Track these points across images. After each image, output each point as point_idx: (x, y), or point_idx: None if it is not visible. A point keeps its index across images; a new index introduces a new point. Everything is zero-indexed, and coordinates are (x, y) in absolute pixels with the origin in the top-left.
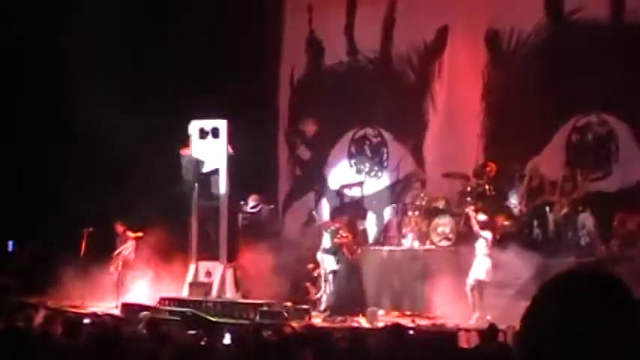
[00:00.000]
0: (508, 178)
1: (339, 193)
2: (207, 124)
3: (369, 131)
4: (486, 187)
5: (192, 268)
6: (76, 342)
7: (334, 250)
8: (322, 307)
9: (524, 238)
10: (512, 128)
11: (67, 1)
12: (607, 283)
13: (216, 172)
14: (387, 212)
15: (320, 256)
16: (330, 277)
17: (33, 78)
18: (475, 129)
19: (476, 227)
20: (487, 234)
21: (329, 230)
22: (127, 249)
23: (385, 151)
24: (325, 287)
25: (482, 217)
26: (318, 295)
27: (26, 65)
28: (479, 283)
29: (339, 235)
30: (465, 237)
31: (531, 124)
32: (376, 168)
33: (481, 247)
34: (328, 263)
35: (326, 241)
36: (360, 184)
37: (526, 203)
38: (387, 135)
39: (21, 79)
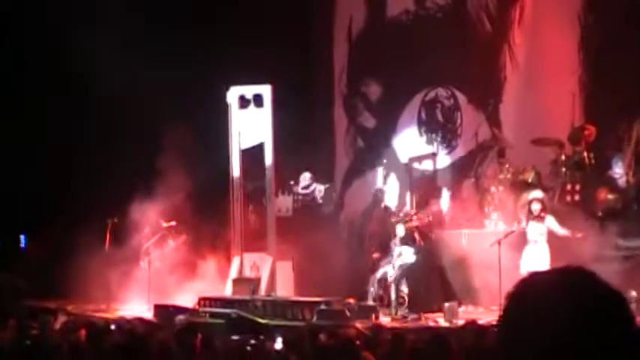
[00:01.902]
0: (611, 143)
1: (407, 168)
2: (249, 90)
3: (441, 92)
4: (584, 154)
5: (235, 261)
6: (102, 352)
7: (409, 239)
8: (396, 309)
9: (632, 214)
10: (617, 83)
11: None
12: (584, 281)
13: (260, 147)
14: (465, 188)
15: (397, 248)
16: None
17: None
18: (569, 85)
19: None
20: (551, 219)
21: (401, 215)
22: (159, 241)
23: (459, 115)
24: (399, 284)
25: (537, 207)
26: (393, 296)
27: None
28: None
29: (410, 221)
30: (560, 215)
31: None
32: (449, 136)
33: (542, 231)
34: (407, 255)
35: (400, 230)
36: (433, 155)
37: (634, 173)
38: (460, 96)
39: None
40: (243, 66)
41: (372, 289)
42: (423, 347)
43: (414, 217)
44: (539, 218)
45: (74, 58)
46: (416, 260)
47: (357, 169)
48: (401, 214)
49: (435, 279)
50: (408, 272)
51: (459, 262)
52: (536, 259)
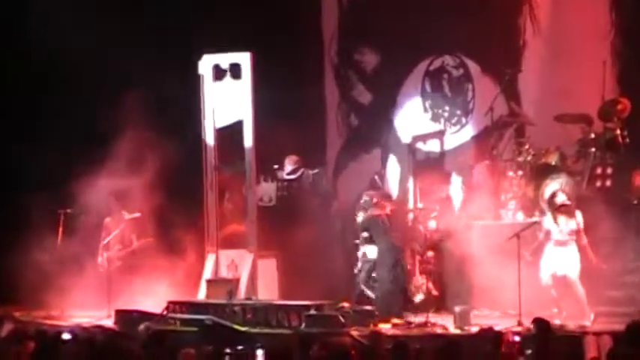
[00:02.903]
0: None
1: (410, 149)
2: (224, 58)
3: (449, 60)
4: (618, 132)
5: (210, 259)
6: None
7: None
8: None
9: None
10: None
11: None
12: None
13: (238, 125)
14: (478, 173)
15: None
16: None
17: None
18: (599, 52)
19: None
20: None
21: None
22: (120, 235)
23: (470, 87)
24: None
25: (562, 197)
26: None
27: None
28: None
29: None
30: (589, 203)
31: None
32: (459, 112)
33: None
34: (370, 252)
35: (360, 220)
36: (440, 134)
37: None
38: (472, 65)
39: None
40: (218, 31)
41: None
42: (429, 358)
43: (376, 205)
44: (566, 212)
45: (30, 25)
46: (379, 257)
47: (352, 150)
48: (361, 202)
49: (396, 279)
50: (371, 272)
51: (470, 258)
52: (562, 262)
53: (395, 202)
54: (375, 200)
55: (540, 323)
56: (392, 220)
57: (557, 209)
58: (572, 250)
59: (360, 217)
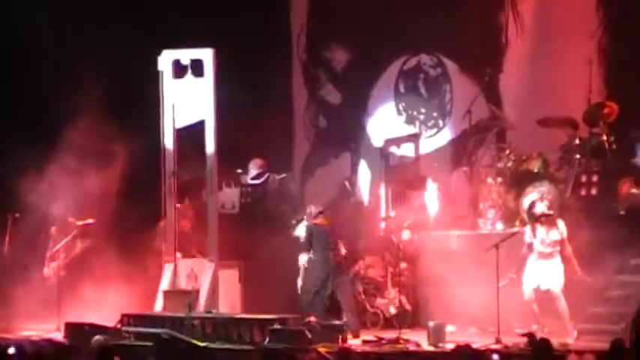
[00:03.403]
0: (636, 124)
1: (382, 153)
2: (185, 54)
3: (425, 59)
4: (604, 137)
5: (168, 269)
6: None
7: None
8: None
9: None
10: None
11: None
12: None
13: (199, 126)
14: (455, 179)
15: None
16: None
17: None
18: (585, 53)
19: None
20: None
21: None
22: (70, 243)
23: (448, 88)
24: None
25: (541, 207)
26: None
27: None
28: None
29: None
30: (572, 213)
31: None
32: (435, 114)
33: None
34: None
35: (300, 231)
36: (415, 137)
37: None
38: (450, 65)
39: None
40: (179, 25)
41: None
42: None
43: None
44: (547, 222)
45: None
46: (309, 265)
47: (320, 154)
48: (307, 211)
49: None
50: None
51: (445, 271)
52: (546, 275)
53: (348, 215)
54: (318, 210)
55: (539, 342)
56: (337, 234)
57: (536, 220)
58: (555, 263)
59: (302, 226)
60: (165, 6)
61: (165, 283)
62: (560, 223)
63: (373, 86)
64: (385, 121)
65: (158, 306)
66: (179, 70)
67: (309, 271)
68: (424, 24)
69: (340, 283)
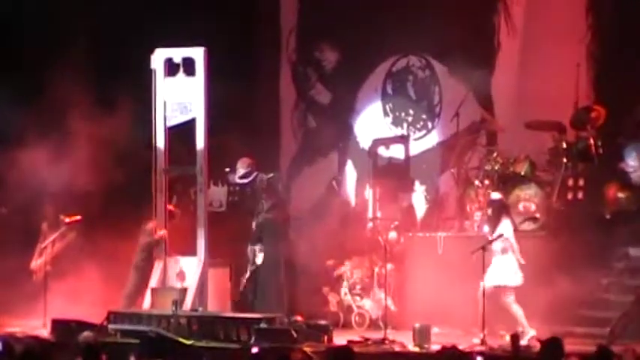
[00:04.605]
0: (624, 129)
1: (370, 153)
2: (177, 53)
3: (414, 61)
4: (591, 141)
5: (157, 267)
6: None
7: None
8: None
9: None
10: (633, 53)
11: None
12: None
13: (190, 124)
14: (443, 181)
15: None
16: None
17: None
18: (574, 56)
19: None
20: (507, 225)
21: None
22: (58, 239)
23: (437, 90)
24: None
25: (496, 195)
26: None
27: None
28: (496, 291)
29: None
30: (560, 216)
31: None
32: (424, 116)
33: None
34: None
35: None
36: (404, 139)
37: None
38: (438, 67)
39: None
40: (171, 25)
41: None
42: None
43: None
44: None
45: None
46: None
47: (308, 154)
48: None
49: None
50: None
51: (432, 272)
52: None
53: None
54: (271, 203)
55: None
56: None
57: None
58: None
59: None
60: (155, 4)
61: (154, 281)
62: (506, 221)
63: (361, 87)
64: (372, 122)
65: (147, 303)
66: (171, 69)
67: (264, 265)
68: (413, 25)
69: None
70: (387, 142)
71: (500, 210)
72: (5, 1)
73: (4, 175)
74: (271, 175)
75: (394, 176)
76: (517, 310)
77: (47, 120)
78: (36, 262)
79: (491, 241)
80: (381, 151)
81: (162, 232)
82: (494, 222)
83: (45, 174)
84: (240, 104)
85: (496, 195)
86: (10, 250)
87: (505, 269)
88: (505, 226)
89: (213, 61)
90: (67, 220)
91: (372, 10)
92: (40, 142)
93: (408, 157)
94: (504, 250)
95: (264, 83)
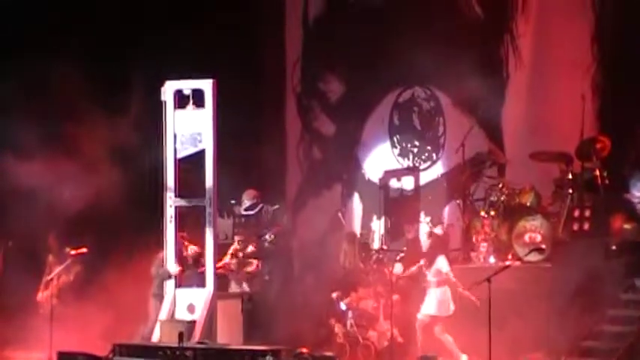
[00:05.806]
0: (629, 160)
1: (382, 184)
2: (187, 85)
3: (419, 92)
4: (597, 172)
5: (166, 299)
6: None
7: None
8: None
9: None
10: (638, 86)
11: None
12: None
13: (200, 156)
14: (448, 212)
15: None
16: None
17: None
18: (580, 88)
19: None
20: (442, 261)
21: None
22: (64, 271)
23: (441, 121)
24: None
25: (438, 230)
26: None
27: None
28: (431, 320)
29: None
30: (566, 247)
31: None
32: (429, 147)
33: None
34: None
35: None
36: (414, 171)
37: None
38: (443, 98)
39: None
40: (179, 57)
41: None
42: None
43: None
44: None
45: None
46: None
47: (313, 185)
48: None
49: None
50: None
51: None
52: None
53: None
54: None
55: None
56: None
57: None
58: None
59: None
60: (168, 36)
61: (163, 313)
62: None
63: (367, 118)
64: (379, 154)
65: (156, 336)
66: (181, 101)
67: None
68: (418, 58)
69: None
70: (397, 173)
71: (439, 245)
72: None
73: (9, 206)
74: (276, 206)
75: (401, 208)
76: (446, 339)
77: (53, 145)
78: (42, 295)
79: (495, 273)
80: (393, 183)
81: (176, 270)
82: (431, 256)
83: (50, 203)
84: (245, 135)
85: (438, 230)
86: (16, 283)
87: (438, 301)
88: (441, 262)
89: (218, 92)
90: (73, 252)
91: (376, 40)
92: (46, 169)
93: (418, 189)
94: (440, 284)
95: (268, 114)
